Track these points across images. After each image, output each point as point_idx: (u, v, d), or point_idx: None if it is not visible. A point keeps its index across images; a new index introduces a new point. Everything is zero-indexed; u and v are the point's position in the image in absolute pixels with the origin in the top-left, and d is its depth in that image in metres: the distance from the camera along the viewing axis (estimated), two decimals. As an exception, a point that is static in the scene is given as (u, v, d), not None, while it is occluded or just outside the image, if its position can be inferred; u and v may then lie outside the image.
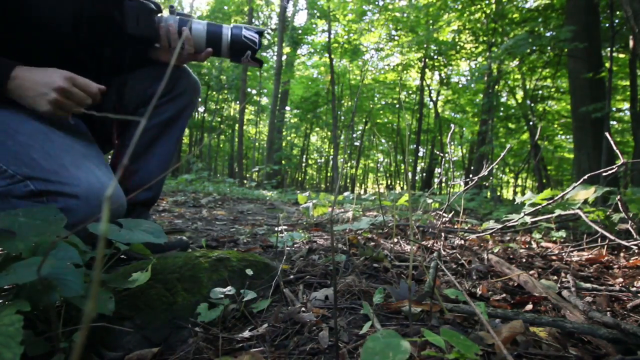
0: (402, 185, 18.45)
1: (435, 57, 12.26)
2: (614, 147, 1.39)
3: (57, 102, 0.98)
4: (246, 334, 0.78)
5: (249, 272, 1.01)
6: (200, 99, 1.49)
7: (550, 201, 1.73)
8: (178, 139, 1.41)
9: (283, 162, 17.26)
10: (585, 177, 1.46)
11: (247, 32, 1.18)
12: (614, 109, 8.74)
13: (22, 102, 0.99)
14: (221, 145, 23.26)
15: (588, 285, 1.17)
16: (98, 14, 1.14)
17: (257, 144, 23.66)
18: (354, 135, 18.34)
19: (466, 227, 2.39)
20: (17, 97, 0.98)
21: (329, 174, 21.65)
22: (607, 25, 5.50)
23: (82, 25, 1.11)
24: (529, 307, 0.97)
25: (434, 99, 15.61)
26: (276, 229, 2.14)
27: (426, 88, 14.72)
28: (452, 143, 16.48)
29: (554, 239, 2.01)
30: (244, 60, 1.21)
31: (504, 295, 1.06)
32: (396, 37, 12.95)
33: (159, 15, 1.17)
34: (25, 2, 1.00)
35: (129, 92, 1.31)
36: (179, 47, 0.32)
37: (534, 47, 5.76)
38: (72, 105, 1.01)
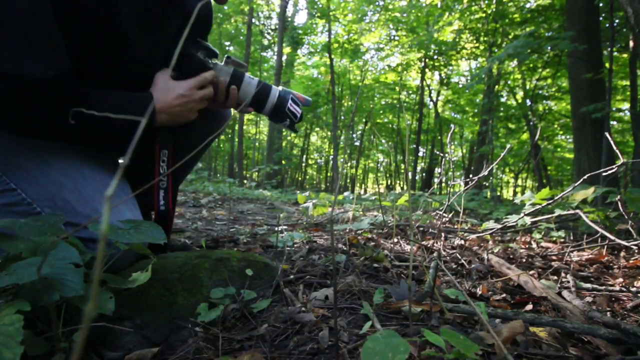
0: (402, 185, 18.43)
1: (436, 57, 12.25)
2: (614, 147, 1.39)
3: (198, 106, 1.07)
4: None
5: (249, 272, 1.01)
6: None
7: (550, 201, 1.73)
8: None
9: (283, 162, 17.23)
10: (585, 177, 1.46)
11: (292, 105, 1.20)
12: (614, 109, 8.74)
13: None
14: (221, 145, 23.25)
15: (588, 285, 1.17)
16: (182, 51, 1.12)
17: (257, 143, 23.66)
18: (354, 135, 18.33)
19: (466, 227, 2.39)
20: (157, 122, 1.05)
21: (329, 174, 21.65)
22: (607, 25, 5.49)
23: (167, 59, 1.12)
24: (529, 307, 0.97)
25: (434, 99, 15.60)
26: (276, 229, 2.14)
27: (426, 88, 14.71)
28: (452, 143, 16.46)
29: (554, 239, 2.01)
30: (282, 124, 1.24)
31: (504, 295, 1.06)
32: (396, 38, 12.95)
33: (214, 62, 1.14)
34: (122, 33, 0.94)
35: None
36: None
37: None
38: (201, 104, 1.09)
